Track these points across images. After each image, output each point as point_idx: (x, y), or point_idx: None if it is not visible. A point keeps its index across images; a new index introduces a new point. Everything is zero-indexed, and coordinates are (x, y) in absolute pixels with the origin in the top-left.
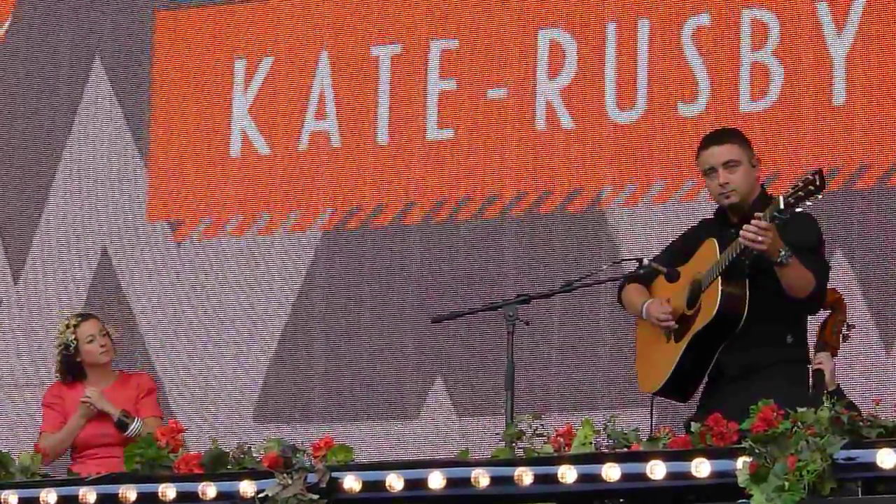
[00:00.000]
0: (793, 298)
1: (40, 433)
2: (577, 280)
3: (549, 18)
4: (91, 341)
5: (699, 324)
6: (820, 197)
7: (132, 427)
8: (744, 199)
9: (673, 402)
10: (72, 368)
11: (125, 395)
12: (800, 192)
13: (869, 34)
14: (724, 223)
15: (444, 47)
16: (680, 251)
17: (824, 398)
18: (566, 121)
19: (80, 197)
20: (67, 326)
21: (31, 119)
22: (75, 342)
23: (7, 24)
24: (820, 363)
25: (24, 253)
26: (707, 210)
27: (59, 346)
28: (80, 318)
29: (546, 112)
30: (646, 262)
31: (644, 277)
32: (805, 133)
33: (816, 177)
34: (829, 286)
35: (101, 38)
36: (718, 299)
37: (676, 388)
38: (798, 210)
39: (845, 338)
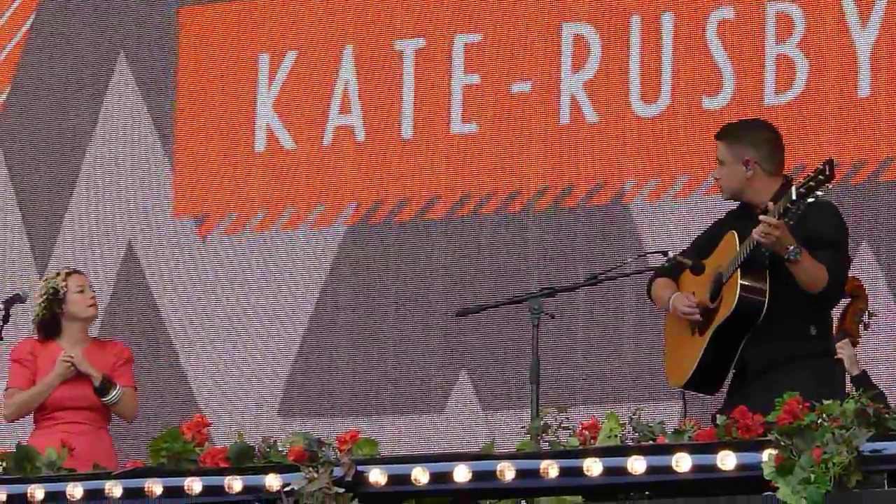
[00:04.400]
0: (808, 292)
1: (6, 388)
2: (601, 273)
3: (573, 12)
4: (80, 292)
5: (721, 316)
6: (830, 186)
7: (113, 393)
8: (736, 195)
9: (698, 395)
10: (52, 322)
11: (102, 360)
12: (811, 183)
13: (894, 26)
14: (748, 215)
15: (468, 41)
16: (707, 244)
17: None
18: (590, 115)
19: (106, 193)
20: (57, 275)
21: (56, 115)
22: (65, 290)
23: (31, 20)
24: (841, 350)
25: (50, 249)
26: (731, 203)
27: (46, 292)
28: (71, 270)
29: (570, 106)
30: (671, 255)
31: (672, 271)
32: (830, 125)
33: (826, 166)
34: (852, 275)
35: (125, 35)
36: (738, 292)
37: (702, 381)
38: (811, 200)
39: (865, 326)
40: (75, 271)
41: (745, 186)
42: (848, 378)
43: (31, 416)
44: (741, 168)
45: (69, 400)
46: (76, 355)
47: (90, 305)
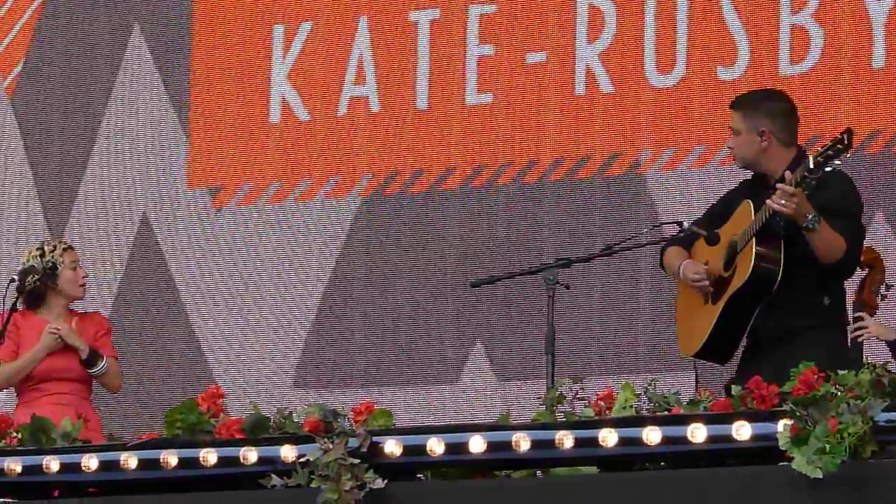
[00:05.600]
0: (824, 262)
1: None
2: (616, 244)
3: None
4: (74, 269)
5: (734, 285)
6: (848, 155)
7: (101, 365)
8: (750, 165)
9: (712, 365)
10: (41, 294)
11: (85, 331)
12: (829, 152)
13: None
14: (763, 185)
15: (483, 12)
16: (720, 213)
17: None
18: (605, 85)
19: (120, 164)
20: (55, 248)
21: (71, 87)
22: (62, 264)
23: None
24: (862, 322)
25: (64, 221)
26: (745, 173)
27: (44, 266)
28: (66, 245)
29: (585, 76)
30: (685, 225)
31: (685, 241)
32: (844, 96)
33: (845, 135)
34: (869, 246)
35: (139, 6)
36: (752, 260)
37: (714, 350)
38: (828, 169)
39: (883, 297)
40: (71, 247)
41: (760, 156)
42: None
43: (14, 388)
44: (756, 138)
45: (56, 371)
46: (63, 328)
47: (81, 285)
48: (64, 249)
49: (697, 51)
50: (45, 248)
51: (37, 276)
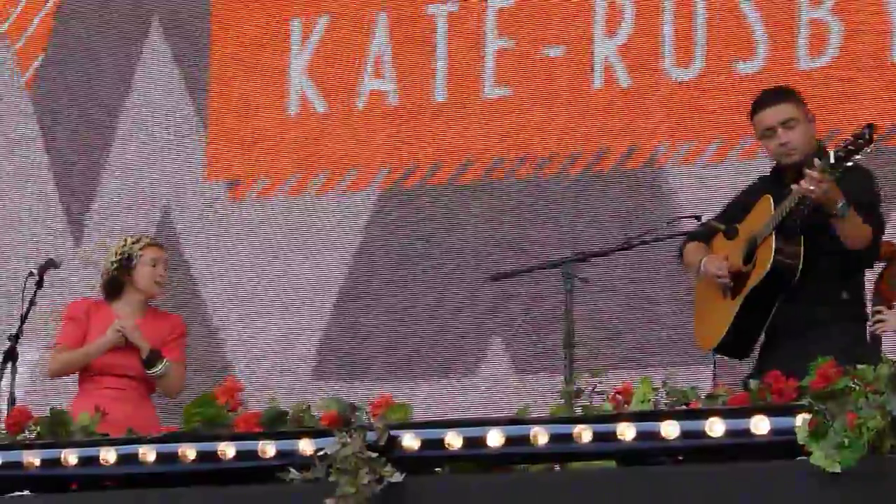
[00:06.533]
0: (848, 253)
1: (56, 344)
2: (634, 238)
3: None
4: (154, 265)
5: (754, 279)
6: (870, 150)
7: (160, 367)
8: (805, 156)
9: (730, 360)
10: (116, 285)
11: (157, 331)
12: (850, 147)
13: None
14: (781, 181)
15: (501, 5)
16: (738, 208)
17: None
18: (623, 79)
19: (139, 157)
20: (137, 241)
21: (90, 79)
22: (139, 257)
23: None
24: (881, 315)
25: (84, 214)
26: (764, 168)
27: (119, 255)
28: (152, 241)
29: (603, 70)
30: (704, 219)
31: (703, 235)
32: (863, 90)
33: (866, 130)
34: (888, 239)
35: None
36: (772, 254)
37: (733, 345)
38: (849, 164)
39: None
40: (157, 244)
41: (812, 145)
42: None
43: (77, 377)
44: (811, 126)
45: (114, 367)
46: (127, 326)
47: (157, 282)
48: (147, 244)
49: (716, 45)
50: (129, 240)
51: (111, 266)
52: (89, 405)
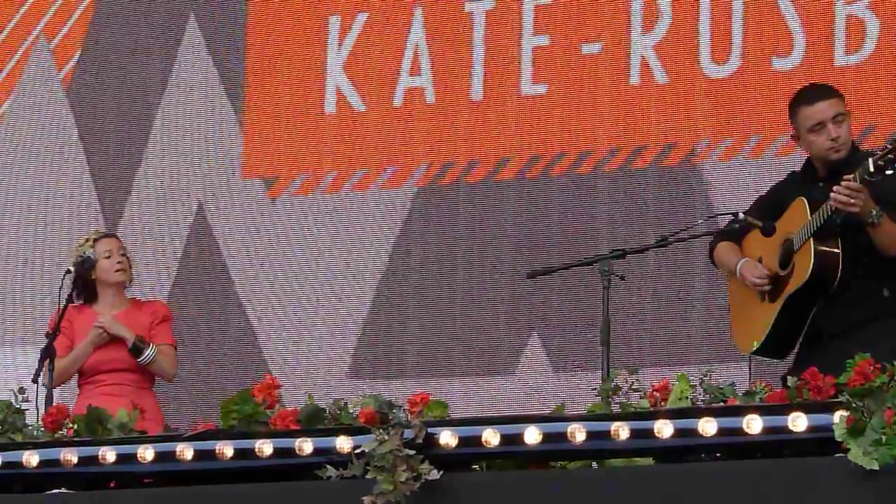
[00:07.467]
0: (888, 255)
1: None
2: (671, 235)
3: None
4: (108, 257)
5: (794, 285)
6: None
7: (147, 353)
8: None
9: (765, 359)
10: (85, 287)
11: (138, 320)
12: (889, 155)
13: None
14: (813, 178)
15: (538, 2)
16: (770, 205)
17: None
18: (660, 75)
19: (176, 155)
20: (87, 240)
21: (127, 77)
22: (95, 254)
23: None
24: None
25: (121, 211)
26: (800, 165)
27: (75, 261)
28: (100, 235)
29: (640, 67)
30: (741, 216)
31: (734, 233)
32: None
33: None
34: None
35: None
36: (812, 260)
37: (773, 347)
38: (889, 172)
39: None
40: (105, 235)
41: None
42: None
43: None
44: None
45: (105, 363)
46: (105, 320)
47: (117, 270)
48: (96, 240)
49: (753, 41)
50: (79, 243)
51: (75, 273)
52: (83, 407)
